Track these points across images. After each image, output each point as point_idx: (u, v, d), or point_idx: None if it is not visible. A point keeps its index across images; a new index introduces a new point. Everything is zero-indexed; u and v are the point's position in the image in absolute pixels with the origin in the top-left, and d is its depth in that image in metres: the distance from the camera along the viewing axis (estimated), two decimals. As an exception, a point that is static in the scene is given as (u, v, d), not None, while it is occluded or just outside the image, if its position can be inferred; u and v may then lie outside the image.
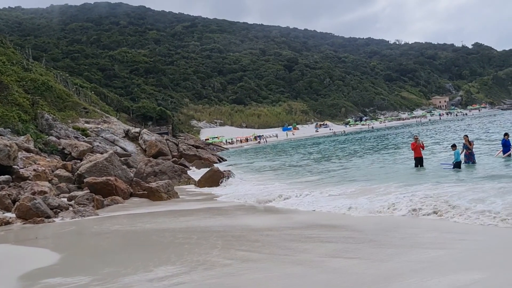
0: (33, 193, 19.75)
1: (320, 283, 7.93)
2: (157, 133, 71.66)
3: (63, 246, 13.12)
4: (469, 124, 79.68)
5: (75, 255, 11.97)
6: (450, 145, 24.01)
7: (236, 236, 12.50)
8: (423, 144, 25.10)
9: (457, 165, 21.94)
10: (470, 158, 22.51)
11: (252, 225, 14.07)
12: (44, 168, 24.98)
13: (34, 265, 10.76)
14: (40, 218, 17.05)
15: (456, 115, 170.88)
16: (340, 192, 18.80)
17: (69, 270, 10.05)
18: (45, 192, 20.23)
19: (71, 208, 18.95)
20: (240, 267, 9.28)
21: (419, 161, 24.45)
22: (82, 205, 19.13)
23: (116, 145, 49.27)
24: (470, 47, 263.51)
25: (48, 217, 17.52)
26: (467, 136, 23.12)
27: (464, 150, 22.65)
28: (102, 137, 49.71)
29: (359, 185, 20.13)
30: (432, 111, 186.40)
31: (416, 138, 24.78)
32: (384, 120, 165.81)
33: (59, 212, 18.44)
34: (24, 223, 16.87)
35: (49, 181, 24.01)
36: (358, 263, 8.96)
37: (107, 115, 61.11)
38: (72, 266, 10.57)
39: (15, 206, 17.82)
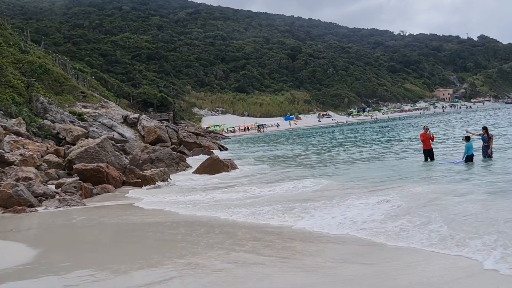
0: (17, 180, 18.42)
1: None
2: (158, 120, 70.33)
3: (40, 241, 11.84)
4: (484, 116, 78.02)
5: (51, 251, 10.68)
6: (463, 137, 22.23)
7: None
8: (433, 136, 23.47)
9: (469, 158, 20.53)
10: (487, 152, 20.95)
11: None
12: (32, 153, 23.63)
13: (1, 264, 9.43)
14: (21, 207, 15.75)
15: (460, 107, 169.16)
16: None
17: (39, 272, 8.74)
18: (30, 179, 18.89)
19: (57, 197, 17.66)
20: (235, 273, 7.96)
21: (428, 154, 22.96)
22: (69, 194, 17.81)
23: (114, 130, 47.99)
24: (476, 39, 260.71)
25: (31, 205, 16.23)
26: (486, 128, 21.50)
27: (482, 142, 21.16)
28: (99, 122, 48.41)
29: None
30: (435, 103, 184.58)
31: (426, 129, 23.24)
32: (387, 111, 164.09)
33: (44, 200, 17.17)
34: (3, 212, 15.58)
35: (37, 167, 22.71)
36: (375, 271, 7.60)
37: (105, 100, 59.74)
38: (44, 266, 9.25)
39: (-4, 193, 16.48)
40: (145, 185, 21.50)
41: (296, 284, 7.22)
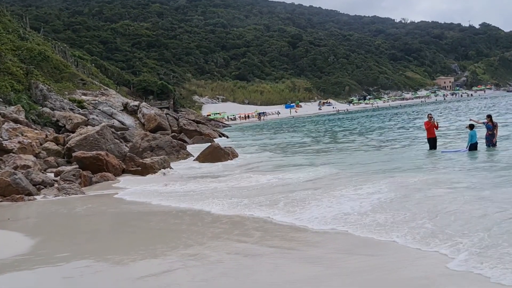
0: (15, 167, 18.19)
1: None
2: (158, 107, 69.99)
3: (38, 230, 11.64)
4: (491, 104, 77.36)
5: (49, 241, 10.48)
6: (467, 125, 21.83)
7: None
8: (437, 124, 23.12)
9: (472, 147, 20.22)
10: (491, 140, 20.59)
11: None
12: (30, 141, 23.35)
13: (-3, 254, 9.20)
14: (19, 196, 15.53)
15: (461, 95, 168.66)
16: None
17: (36, 263, 8.53)
18: (28, 167, 18.64)
19: (56, 185, 17.42)
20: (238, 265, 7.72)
21: (432, 142, 22.63)
22: (68, 182, 17.56)
23: (114, 118, 47.73)
24: (477, 27, 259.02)
25: (30, 194, 16.00)
26: (490, 116, 21.13)
27: (487, 130, 20.80)
28: (99, 109, 48.12)
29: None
30: (437, 91, 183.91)
31: (430, 117, 22.91)
32: (388, 99, 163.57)
33: (42, 188, 16.94)
34: (1, 201, 15.35)
35: (36, 155, 22.45)
36: (382, 263, 7.33)
37: (105, 87, 59.38)
38: (42, 256, 9.03)
39: (-7, 181, 16.22)
40: (145, 173, 21.26)
41: (308, 276, 6.98)
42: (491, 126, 20.56)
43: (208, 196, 14.37)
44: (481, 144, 20.61)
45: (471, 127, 20.63)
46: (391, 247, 8.11)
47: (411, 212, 9.99)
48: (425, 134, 23.68)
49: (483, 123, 21.35)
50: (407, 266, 7.04)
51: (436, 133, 23.09)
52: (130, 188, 17.52)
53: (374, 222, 9.64)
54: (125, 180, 19.82)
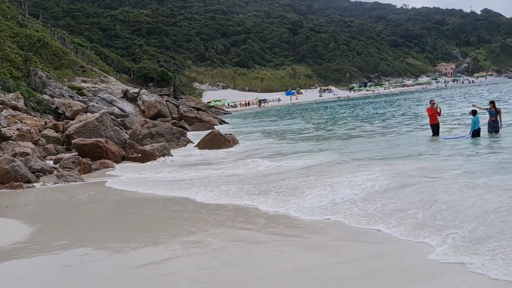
0: (14, 155, 18.01)
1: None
2: (158, 95, 69.70)
3: (37, 218, 11.53)
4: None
5: (48, 229, 10.36)
6: (470, 111, 21.54)
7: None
8: (440, 110, 22.86)
9: (475, 133, 19.98)
10: (494, 127, 20.35)
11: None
12: (29, 128, 23.17)
13: (-5, 242, 9.06)
14: (18, 183, 15.39)
15: (463, 82, 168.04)
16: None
17: (34, 251, 8.41)
18: (27, 154, 18.47)
19: (55, 172, 17.27)
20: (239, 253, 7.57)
21: (436, 129, 22.41)
22: (67, 169, 17.41)
23: (114, 105, 47.50)
24: (479, 13, 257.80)
25: (28, 181, 15.86)
26: (493, 102, 20.90)
27: (489, 116, 20.53)
28: (99, 97, 47.87)
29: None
30: (438, 78, 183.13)
31: (432, 103, 22.71)
32: (389, 86, 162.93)
33: (41, 176, 16.78)
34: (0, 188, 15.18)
35: (35, 142, 22.27)
36: (383, 251, 7.18)
37: (105, 74, 59.10)
38: (40, 244, 8.91)
39: (-8, 168, 16.06)
40: (145, 160, 21.10)
41: (312, 263, 6.84)
42: (494, 112, 20.31)
43: (201, 184, 14.16)
44: (484, 131, 20.37)
45: (474, 113, 20.38)
46: (384, 236, 7.91)
47: (404, 201, 9.72)
48: (427, 120, 23.49)
49: (486, 109, 21.14)
50: (397, 256, 6.90)
51: (439, 119, 22.88)
52: (122, 176, 17.34)
53: (370, 211, 9.39)
54: (121, 168, 19.62)
